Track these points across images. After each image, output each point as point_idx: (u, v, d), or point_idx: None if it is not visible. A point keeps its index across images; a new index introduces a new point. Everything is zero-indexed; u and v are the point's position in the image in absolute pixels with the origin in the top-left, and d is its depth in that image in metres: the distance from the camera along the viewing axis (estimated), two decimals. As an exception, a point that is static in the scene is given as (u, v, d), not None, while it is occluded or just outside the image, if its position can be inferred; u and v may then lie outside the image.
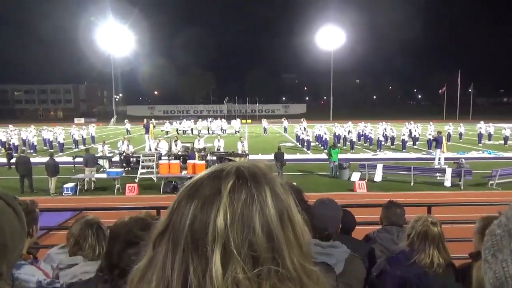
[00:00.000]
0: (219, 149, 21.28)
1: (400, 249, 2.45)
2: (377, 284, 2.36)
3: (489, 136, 31.34)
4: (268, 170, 0.68)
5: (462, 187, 15.13)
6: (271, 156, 17.47)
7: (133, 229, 1.52)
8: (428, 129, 29.56)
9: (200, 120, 44.87)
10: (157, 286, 0.61)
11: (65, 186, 14.93)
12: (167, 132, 38.89)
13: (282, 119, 47.39)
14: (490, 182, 15.36)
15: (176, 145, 20.45)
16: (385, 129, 29.11)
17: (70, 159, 19.98)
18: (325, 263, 1.81)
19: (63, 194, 14.68)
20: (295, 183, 2.04)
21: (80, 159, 17.61)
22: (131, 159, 19.43)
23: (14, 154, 22.34)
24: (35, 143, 27.31)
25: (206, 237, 0.59)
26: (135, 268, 0.66)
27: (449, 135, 30.20)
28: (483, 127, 30.82)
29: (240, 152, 20.19)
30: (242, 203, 0.61)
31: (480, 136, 30.41)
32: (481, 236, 2.36)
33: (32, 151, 26.15)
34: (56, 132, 29.03)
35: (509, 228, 0.63)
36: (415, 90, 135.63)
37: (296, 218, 0.66)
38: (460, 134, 32.65)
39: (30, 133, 28.89)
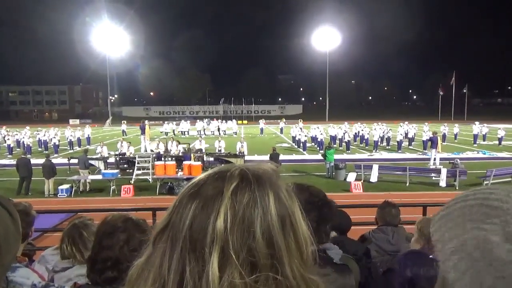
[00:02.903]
0: (220, 150, 21.23)
1: (412, 249, 2.41)
2: (382, 282, 2.34)
3: (484, 137, 31.51)
4: (274, 174, 0.66)
5: (457, 187, 15.21)
6: (267, 157, 17.48)
7: (115, 222, 1.54)
8: (423, 129, 29.70)
9: (198, 121, 44.84)
10: (153, 285, 0.60)
11: (60, 187, 14.85)
12: (166, 133, 38.86)
13: (279, 121, 47.44)
14: (485, 182, 15.44)
15: (175, 146, 20.36)
16: (381, 129, 29.22)
17: (65, 160, 19.89)
18: (345, 265, 1.81)
19: (58, 195, 14.60)
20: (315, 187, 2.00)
21: (75, 161, 17.53)
22: (128, 160, 19.34)
23: (9, 156, 22.23)
24: (30, 145, 27.17)
25: (204, 239, 0.58)
26: (134, 264, 0.66)
27: (444, 136, 30.34)
28: (478, 127, 31.01)
29: (237, 152, 20.18)
30: (244, 206, 0.59)
31: (475, 136, 30.56)
32: (420, 238, 2.37)
33: (27, 152, 25.97)
34: (51, 134, 28.89)
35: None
36: (410, 91, 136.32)
37: (299, 225, 0.64)
38: (455, 135, 32.82)
39: (25, 134, 28.73)
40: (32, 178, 15.17)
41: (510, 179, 16.13)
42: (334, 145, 24.78)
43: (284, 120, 44.36)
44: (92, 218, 2.38)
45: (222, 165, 0.69)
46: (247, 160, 19.81)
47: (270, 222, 0.60)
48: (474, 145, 29.24)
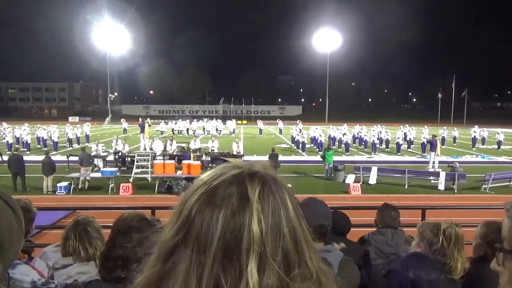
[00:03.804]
0: (213, 150, 21.27)
1: (414, 252, 2.41)
2: (383, 283, 2.33)
3: (483, 140, 31.56)
4: (277, 172, 0.68)
5: (455, 191, 15.23)
6: (266, 158, 17.48)
7: (130, 220, 1.55)
8: (422, 132, 29.72)
9: (195, 120, 44.82)
10: None
11: (58, 185, 14.82)
12: (162, 132, 38.81)
13: (277, 120, 47.49)
14: (484, 186, 15.47)
15: (171, 145, 20.41)
16: (380, 132, 29.24)
17: (64, 157, 19.86)
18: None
19: (57, 193, 14.57)
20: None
21: (74, 158, 17.50)
22: (126, 159, 19.35)
23: (8, 152, 22.17)
24: (29, 141, 27.14)
25: (240, 246, 0.58)
26: (137, 284, 0.64)
27: (443, 139, 30.36)
28: (477, 131, 31.04)
29: (235, 152, 20.20)
30: (272, 209, 0.61)
31: (474, 140, 30.60)
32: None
33: (25, 149, 25.98)
34: (50, 131, 28.86)
35: None
36: (410, 93, 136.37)
37: (303, 215, 0.67)
38: (454, 138, 32.85)
39: (24, 131, 28.70)
40: (25, 175, 15.12)
41: (508, 183, 16.17)
42: (333, 147, 24.79)
43: (281, 120, 44.40)
44: (94, 216, 2.38)
45: (221, 165, 0.68)
46: (245, 161, 19.80)
47: (292, 220, 0.63)
48: (473, 148, 29.29)
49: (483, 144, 31.14)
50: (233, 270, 0.58)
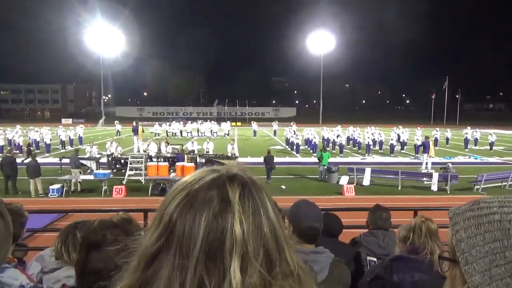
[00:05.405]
0: (208, 152, 21.24)
1: (396, 255, 2.44)
2: None
3: (475, 142, 31.82)
4: (252, 174, 0.70)
5: (448, 192, 15.33)
6: (261, 159, 17.48)
7: (102, 231, 1.42)
8: (416, 134, 29.89)
9: (189, 122, 44.72)
10: None
11: (51, 187, 14.71)
12: (156, 134, 38.67)
13: (273, 122, 47.54)
14: (476, 187, 15.59)
15: (166, 147, 20.34)
16: (374, 133, 29.37)
17: (56, 160, 19.72)
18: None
19: (49, 195, 14.46)
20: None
21: (67, 160, 17.38)
22: (120, 161, 19.24)
23: (0, 155, 21.99)
24: (21, 144, 26.92)
25: (224, 247, 0.59)
26: (123, 284, 0.64)
27: (436, 140, 30.57)
28: (469, 132, 31.29)
29: (229, 154, 20.18)
30: (253, 210, 0.62)
31: (466, 141, 30.85)
32: (403, 244, 2.41)
33: (18, 151, 25.77)
34: (42, 133, 28.65)
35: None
36: (403, 95, 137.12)
37: (279, 214, 0.68)
38: (447, 139, 33.09)
39: (16, 133, 28.46)
40: (17, 178, 14.98)
41: (500, 184, 16.31)
42: (328, 148, 24.87)
43: (275, 122, 44.41)
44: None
45: (199, 170, 0.69)
46: (240, 162, 19.82)
47: (272, 219, 0.64)
48: (466, 149, 29.51)
49: (475, 145, 31.39)
50: (216, 271, 0.59)
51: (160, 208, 0.65)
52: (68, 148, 28.11)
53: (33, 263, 2.45)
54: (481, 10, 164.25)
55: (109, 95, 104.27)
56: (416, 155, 25.38)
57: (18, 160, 16.34)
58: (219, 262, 0.59)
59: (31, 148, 22.04)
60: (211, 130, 41.48)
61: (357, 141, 29.66)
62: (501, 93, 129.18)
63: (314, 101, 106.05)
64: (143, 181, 16.07)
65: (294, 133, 29.47)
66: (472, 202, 0.74)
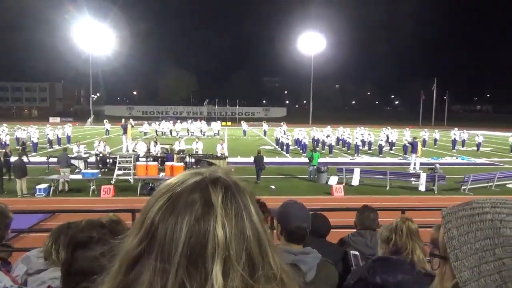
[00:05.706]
0: (197, 151, 21.17)
1: (379, 256, 2.45)
2: None
3: (463, 143, 32.24)
4: (235, 177, 0.69)
5: (435, 192, 15.51)
6: (251, 159, 17.47)
7: (89, 230, 1.43)
8: (404, 134, 30.19)
9: (179, 121, 44.50)
10: None
11: (38, 187, 14.50)
12: (145, 133, 38.43)
13: (262, 123, 47.58)
14: (463, 187, 15.81)
15: (155, 146, 20.23)
16: (363, 134, 29.58)
17: (44, 159, 19.46)
18: (295, 264, 1.82)
19: (36, 195, 14.26)
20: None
21: (54, 160, 17.17)
22: (108, 160, 19.08)
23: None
24: (8, 142, 26.50)
25: (206, 251, 0.58)
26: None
27: (424, 141, 30.91)
28: (457, 133, 31.71)
29: (219, 154, 20.14)
30: (236, 213, 0.62)
31: (454, 142, 31.25)
32: (386, 245, 2.44)
33: (4, 150, 25.37)
34: (30, 132, 28.26)
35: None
36: (392, 96, 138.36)
37: (262, 217, 0.68)
38: (435, 140, 33.48)
39: (2, 132, 28.02)
40: (3, 177, 14.76)
41: (487, 184, 16.55)
42: (317, 148, 24.99)
43: (265, 122, 44.44)
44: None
45: (182, 173, 0.68)
46: (230, 162, 19.80)
47: (255, 222, 0.64)
48: (453, 150, 29.89)
49: (463, 146, 31.81)
50: (198, 275, 0.58)
51: (142, 211, 0.64)
52: (56, 147, 27.76)
53: (18, 264, 2.41)
54: (469, 12, 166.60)
55: (98, 94, 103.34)
56: (405, 155, 25.63)
57: (12, 159, 16.16)
58: (201, 266, 0.58)
59: (25, 147, 21.73)
60: (201, 130, 41.32)
61: (347, 141, 29.83)
62: (488, 95, 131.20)
63: (304, 101, 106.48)
64: (132, 180, 15.96)
65: (284, 133, 29.52)
66: (465, 202, 0.77)
